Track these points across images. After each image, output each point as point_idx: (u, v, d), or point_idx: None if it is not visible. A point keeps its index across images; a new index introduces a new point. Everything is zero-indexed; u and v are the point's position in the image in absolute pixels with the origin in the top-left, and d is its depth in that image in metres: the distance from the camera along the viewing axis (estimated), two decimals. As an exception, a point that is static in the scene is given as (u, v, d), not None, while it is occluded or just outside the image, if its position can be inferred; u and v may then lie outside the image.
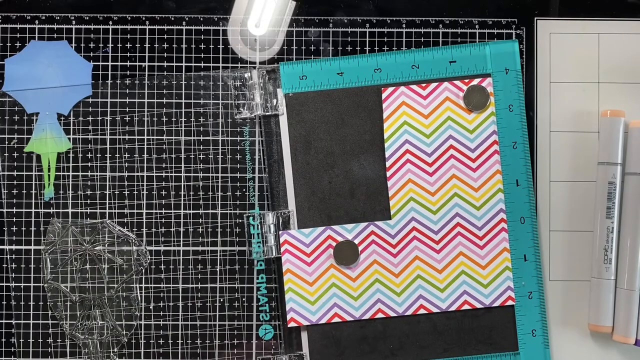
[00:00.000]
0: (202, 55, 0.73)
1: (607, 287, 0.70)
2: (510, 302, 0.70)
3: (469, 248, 0.71)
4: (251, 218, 0.72)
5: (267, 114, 0.72)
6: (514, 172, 0.71)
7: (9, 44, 0.73)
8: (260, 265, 0.72)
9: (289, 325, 0.71)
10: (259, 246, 0.72)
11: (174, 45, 0.73)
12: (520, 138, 0.71)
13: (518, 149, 0.71)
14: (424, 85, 0.72)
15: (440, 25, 0.73)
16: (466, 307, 0.70)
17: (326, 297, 0.71)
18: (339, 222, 0.71)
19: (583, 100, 0.73)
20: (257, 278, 0.72)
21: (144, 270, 0.72)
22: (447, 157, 0.71)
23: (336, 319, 0.71)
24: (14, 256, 0.72)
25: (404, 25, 0.73)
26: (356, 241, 0.71)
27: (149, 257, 0.72)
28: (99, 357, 0.72)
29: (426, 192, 0.71)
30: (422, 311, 0.70)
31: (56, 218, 0.72)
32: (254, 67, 0.73)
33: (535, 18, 0.73)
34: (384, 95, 0.71)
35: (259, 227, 0.72)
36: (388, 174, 0.71)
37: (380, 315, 0.70)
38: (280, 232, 0.71)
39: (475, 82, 0.71)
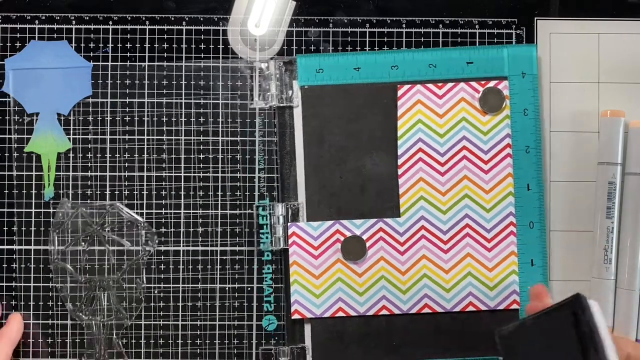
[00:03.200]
0: (202, 55, 0.73)
1: (607, 287, 0.70)
2: (515, 306, 0.70)
3: (477, 250, 0.71)
4: (261, 209, 0.72)
5: (282, 105, 0.72)
6: (525, 176, 0.71)
7: (9, 44, 0.73)
8: (267, 256, 0.72)
9: (292, 317, 0.71)
10: (267, 237, 0.72)
11: (174, 45, 0.73)
12: (534, 142, 0.71)
13: (531, 153, 0.71)
14: (440, 84, 0.71)
15: (440, 25, 0.73)
16: (471, 308, 0.70)
17: (331, 291, 0.71)
18: (348, 217, 0.71)
19: (583, 100, 0.73)
20: (264, 268, 0.72)
21: (145, 270, 0.72)
22: (459, 158, 0.71)
23: (340, 314, 0.71)
24: (14, 256, 0.72)
25: (404, 25, 0.73)
26: (364, 237, 0.71)
27: (157, 239, 0.72)
28: (102, 338, 0.71)
29: (437, 191, 0.71)
30: (426, 310, 0.70)
31: (66, 198, 0.72)
32: (271, 59, 0.73)
33: (535, 18, 0.73)
34: (399, 93, 0.71)
35: (268, 217, 0.72)
36: (400, 171, 0.71)
37: (384, 312, 0.70)
38: (289, 224, 0.71)
39: (492, 84, 0.71)
